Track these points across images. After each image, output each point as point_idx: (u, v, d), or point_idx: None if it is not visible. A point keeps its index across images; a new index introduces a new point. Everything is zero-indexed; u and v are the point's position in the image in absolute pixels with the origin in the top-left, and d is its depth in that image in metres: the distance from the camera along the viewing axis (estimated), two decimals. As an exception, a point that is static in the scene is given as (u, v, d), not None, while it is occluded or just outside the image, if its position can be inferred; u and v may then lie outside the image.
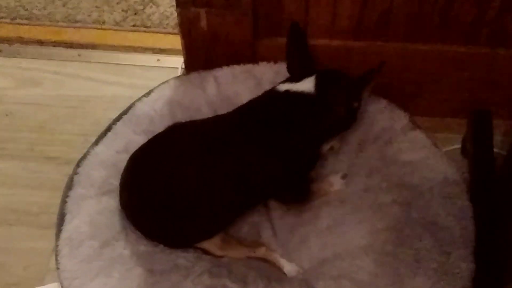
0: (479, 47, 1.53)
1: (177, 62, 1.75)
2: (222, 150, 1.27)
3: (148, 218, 1.30)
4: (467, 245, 1.28)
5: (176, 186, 1.26)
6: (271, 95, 1.32)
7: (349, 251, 1.30)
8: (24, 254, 1.49)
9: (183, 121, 1.40)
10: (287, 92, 1.30)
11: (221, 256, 1.33)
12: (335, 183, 1.41)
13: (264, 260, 1.36)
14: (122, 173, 1.33)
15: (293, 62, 1.38)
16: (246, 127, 1.30)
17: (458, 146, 1.64)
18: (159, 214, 1.28)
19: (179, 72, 1.73)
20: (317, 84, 1.29)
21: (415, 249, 1.26)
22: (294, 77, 1.33)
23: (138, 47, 1.94)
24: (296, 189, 1.37)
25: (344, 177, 1.42)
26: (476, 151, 1.56)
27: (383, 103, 1.52)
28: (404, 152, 1.44)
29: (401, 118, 1.50)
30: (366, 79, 1.33)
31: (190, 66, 1.59)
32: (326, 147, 1.37)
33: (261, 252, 1.36)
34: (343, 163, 1.47)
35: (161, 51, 1.92)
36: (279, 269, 1.34)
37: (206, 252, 1.33)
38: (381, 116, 1.51)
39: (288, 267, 1.34)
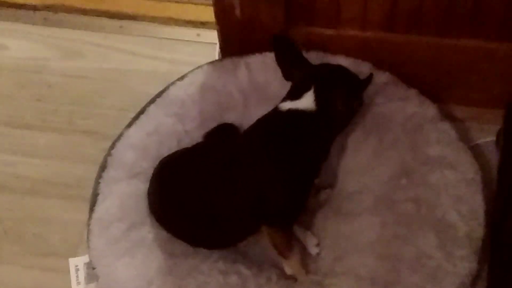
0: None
1: (216, 37, 1.84)
2: (238, 168, 1.40)
3: (174, 222, 1.48)
4: (471, 245, 1.41)
5: (199, 197, 1.42)
6: (276, 115, 1.43)
7: (358, 247, 1.45)
8: (60, 225, 1.67)
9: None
10: (289, 111, 1.41)
11: None
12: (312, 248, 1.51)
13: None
14: (151, 178, 1.50)
15: (287, 70, 1.48)
16: (256, 147, 1.41)
17: (494, 138, 1.71)
18: (185, 220, 1.45)
19: (217, 48, 1.86)
20: (317, 98, 1.39)
21: (417, 246, 1.41)
22: (295, 92, 1.43)
23: (179, 19, 2.07)
24: (288, 212, 1.43)
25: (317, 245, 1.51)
26: (506, 143, 1.62)
27: (412, 92, 1.65)
28: (430, 144, 1.57)
29: (430, 108, 1.62)
30: (365, 83, 1.44)
31: (225, 51, 1.74)
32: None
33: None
34: (368, 150, 1.60)
35: (202, 24, 2.06)
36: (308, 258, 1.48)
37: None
38: (410, 105, 1.63)
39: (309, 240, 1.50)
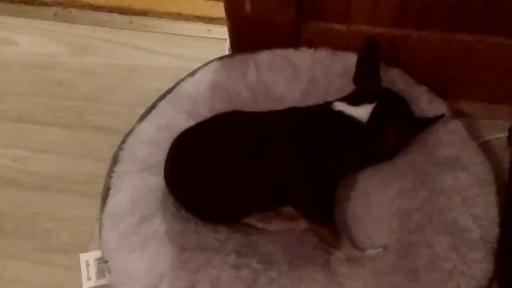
0: (523, 39, 1.63)
1: (226, 33, 1.86)
2: (265, 145, 1.43)
3: (188, 192, 1.50)
4: (486, 247, 1.43)
5: (218, 168, 1.45)
6: (325, 109, 1.47)
7: (373, 244, 1.47)
8: (70, 221, 1.69)
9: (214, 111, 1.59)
10: (340, 112, 1.45)
11: (262, 229, 1.52)
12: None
13: (301, 239, 1.52)
14: (169, 149, 1.52)
15: (360, 75, 1.52)
16: (293, 131, 1.45)
17: (505, 134, 1.71)
18: (198, 190, 1.48)
19: (227, 44, 1.88)
20: (373, 114, 1.43)
21: (432, 248, 1.43)
22: (354, 99, 1.47)
23: (189, 15, 2.09)
24: (320, 207, 1.47)
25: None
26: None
27: (423, 89, 1.67)
28: (441, 144, 1.59)
29: (440, 106, 1.64)
30: (424, 123, 1.49)
31: (235, 47, 1.77)
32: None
33: (301, 224, 1.51)
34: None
35: (212, 20, 2.07)
36: (318, 253, 1.50)
37: (245, 224, 1.52)
38: (421, 102, 1.65)
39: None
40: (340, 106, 1.45)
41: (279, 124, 1.48)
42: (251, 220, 1.52)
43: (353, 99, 1.47)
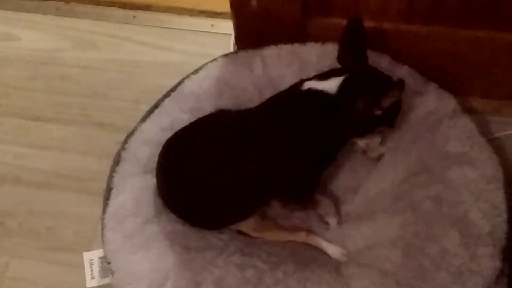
0: (533, 36, 1.62)
1: (231, 28, 1.86)
2: (249, 141, 1.45)
3: (180, 201, 1.50)
4: (495, 243, 1.42)
5: (207, 172, 1.45)
6: (295, 91, 1.48)
7: (380, 241, 1.47)
8: (74, 219, 1.70)
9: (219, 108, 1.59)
10: (309, 90, 1.45)
11: (256, 237, 1.52)
12: (331, 221, 1.56)
13: (305, 244, 1.54)
14: (158, 157, 1.52)
15: (344, 54, 1.49)
16: (269, 121, 1.46)
17: (515, 131, 1.71)
18: (190, 198, 1.48)
19: (232, 39, 1.87)
20: (342, 86, 1.42)
21: (441, 244, 1.42)
22: (324, 75, 1.46)
23: (193, 9, 2.09)
24: (307, 191, 1.52)
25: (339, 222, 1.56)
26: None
27: (431, 85, 1.66)
28: (450, 140, 1.58)
29: (449, 102, 1.63)
30: (390, 88, 1.43)
31: (240, 43, 1.76)
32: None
33: (301, 236, 1.54)
34: (391, 145, 1.62)
35: (216, 14, 2.07)
36: (323, 253, 1.52)
37: (241, 232, 1.52)
38: (429, 100, 1.64)
39: (332, 249, 1.52)
40: (309, 84, 1.45)
41: (260, 115, 1.49)
42: (246, 229, 1.53)
43: (323, 75, 1.46)
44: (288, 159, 1.45)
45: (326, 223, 1.55)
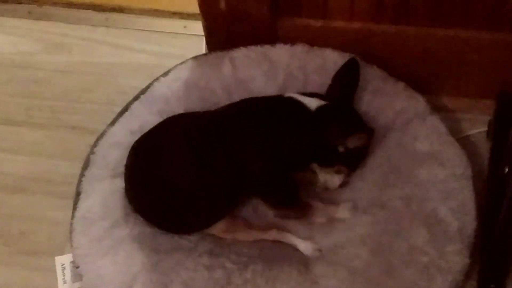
0: (502, 33, 1.65)
1: (204, 29, 1.89)
2: (218, 141, 1.46)
3: (148, 206, 1.51)
4: (464, 240, 1.44)
5: (174, 174, 1.47)
6: (275, 97, 1.53)
7: (349, 240, 1.48)
8: (45, 223, 1.69)
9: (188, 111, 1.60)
10: (290, 98, 1.48)
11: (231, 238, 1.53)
12: (341, 212, 1.56)
13: (275, 242, 1.54)
14: (126, 159, 1.53)
15: (334, 89, 1.54)
16: (241, 120, 1.48)
17: (485, 129, 1.73)
18: (157, 203, 1.49)
19: (204, 40, 1.88)
20: (321, 108, 1.46)
21: (409, 241, 1.44)
22: (309, 94, 1.51)
23: (166, 11, 2.10)
24: (283, 192, 1.53)
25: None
26: (496, 134, 1.65)
27: (400, 85, 1.67)
28: (418, 139, 1.60)
29: (418, 102, 1.65)
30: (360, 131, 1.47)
31: (211, 44, 1.77)
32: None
33: (271, 234, 1.54)
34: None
35: (189, 16, 2.08)
36: (293, 251, 1.52)
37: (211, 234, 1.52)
38: (398, 101, 1.66)
39: (304, 245, 1.52)
40: (291, 94, 1.49)
41: (231, 115, 1.51)
42: (216, 231, 1.53)
43: (307, 94, 1.51)
44: (256, 158, 1.46)
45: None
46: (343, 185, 1.54)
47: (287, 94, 1.51)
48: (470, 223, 1.47)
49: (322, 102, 1.47)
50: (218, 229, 1.51)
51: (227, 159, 1.45)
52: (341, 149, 1.45)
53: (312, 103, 1.46)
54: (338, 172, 1.52)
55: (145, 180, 1.49)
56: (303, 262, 1.48)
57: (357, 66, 1.55)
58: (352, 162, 1.52)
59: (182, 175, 1.46)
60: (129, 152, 1.52)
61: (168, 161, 1.47)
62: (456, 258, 1.43)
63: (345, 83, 1.54)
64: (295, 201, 1.53)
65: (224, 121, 1.49)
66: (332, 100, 1.50)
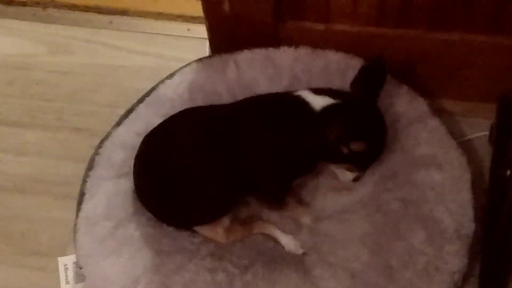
0: (504, 37, 1.65)
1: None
2: (224, 136, 1.46)
3: (155, 198, 1.51)
4: (462, 241, 1.45)
5: (180, 169, 1.46)
6: (285, 93, 1.52)
7: (348, 242, 1.48)
8: (48, 224, 1.70)
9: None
10: (298, 96, 1.47)
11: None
12: (304, 218, 1.57)
13: (265, 236, 1.55)
14: (135, 155, 1.53)
15: (359, 80, 1.50)
16: (247, 117, 1.49)
17: (486, 132, 1.73)
18: (167, 193, 1.49)
19: (208, 43, 1.88)
20: (327, 108, 1.43)
21: (408, 242, 1.45)
22: (320, 90, 1.48)
23: (169, 14, 2.10)
24: (274, 192, 1.54)
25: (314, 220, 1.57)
26: (498, 138, 1.66)
27: (403, 88, 1.68)
28: (419, 142, 1.61)
29: (420, 105, 1.66)
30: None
31: (215, 47, 1.78)
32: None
33: (258, 227, 1.55)
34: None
35: (193, 18, 2.08)
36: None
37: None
38: (400, 103, 1.66)
39: (285, 240, 1.54)
40: (301, 92, 1.47)
41: (237, 111, 1.51)
42: (216, 236, 1.54)
43: (319, 90, 1.48)
44: (260, 155, 1.47)
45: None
46: (356, 179, 1.54)
47: (298, 92, 1.48)
48: (468, 224, 1.48)
49: (330, 102, 1.43)
50: (217, 234, 1.52)
51: (234, 152, 1.46)
52: (345, 151, 1.44)
53: (319, 102, 1.44)
54: (348, 170, 1.52)
55: (156, 170, 1.49)
56: (303, 265, 1.48)
57: (383, 62, 1.51)
58: (359, 162, 1.50)
59: (191, 165, 1.46)
60: (139, 147, 1.53)
61: (179, 152, 1.48)
62: (454, 258, 1.44)
63: (370, 80, 1.51)
64: (281, 200, 1.55)
65: (232, 117, 1.50)
66: (351, 96, 1.48)
